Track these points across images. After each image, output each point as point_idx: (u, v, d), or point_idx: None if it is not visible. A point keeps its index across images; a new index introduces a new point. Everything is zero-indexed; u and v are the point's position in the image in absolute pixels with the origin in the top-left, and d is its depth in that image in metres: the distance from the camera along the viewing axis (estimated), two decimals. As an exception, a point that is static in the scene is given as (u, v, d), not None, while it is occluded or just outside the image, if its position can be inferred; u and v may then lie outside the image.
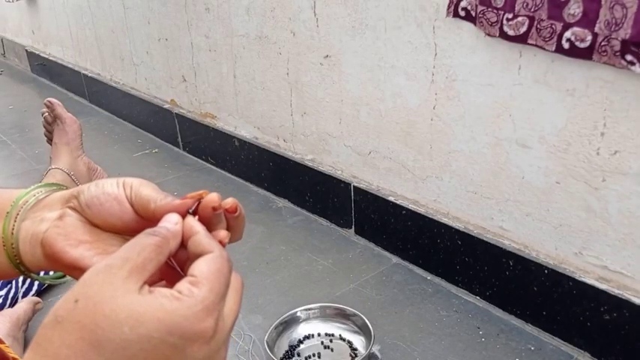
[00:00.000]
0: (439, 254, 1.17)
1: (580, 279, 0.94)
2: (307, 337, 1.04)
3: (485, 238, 1.07)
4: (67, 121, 1.38)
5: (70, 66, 2.60)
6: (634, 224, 0.86)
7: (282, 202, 1.55)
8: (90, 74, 2.43)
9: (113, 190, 0.38)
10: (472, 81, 1.00)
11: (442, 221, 1.14)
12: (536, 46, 0.88)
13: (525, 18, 0.87)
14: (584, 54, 0.82)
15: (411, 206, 1.20)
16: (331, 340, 1.03)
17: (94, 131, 2.16)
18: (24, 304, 1.08)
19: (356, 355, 0.99)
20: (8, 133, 2.20)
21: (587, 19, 0.80)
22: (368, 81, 1.20)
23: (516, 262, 1.03)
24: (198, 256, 0.33)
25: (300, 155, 1.48)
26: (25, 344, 1.02)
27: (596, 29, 0.79)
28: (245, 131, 1.65)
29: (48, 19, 2.69)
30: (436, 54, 1.05)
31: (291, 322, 1.05)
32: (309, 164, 1.43)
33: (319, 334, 1.04)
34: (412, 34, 1.07)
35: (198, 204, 0.37)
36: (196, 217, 0.36)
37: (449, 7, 0.99)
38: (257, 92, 1.54)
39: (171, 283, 0.32)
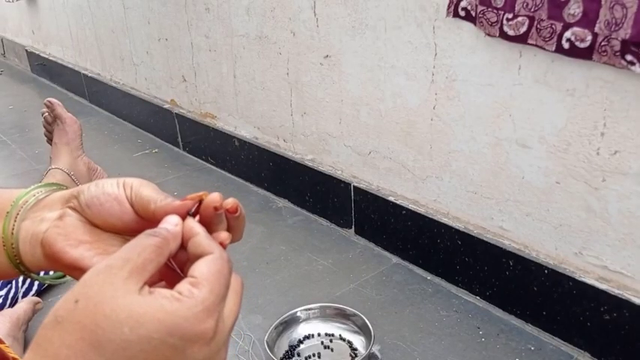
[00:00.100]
0: (439, 254, 1.17)
1: (580, 279, 0.94)
2: (307, 337, 1.04)
3: (485, 238, 1.07)
4: (67, 121, 1.38)
5: (70, 66, 2.60)
6: (634, 224, 0.86)
7: (282, 202, 1.55)
8: (90, 74, 2.43)
9: (113, 191, 0.38)
10: (472, 81, 1.00)
11: (442, 221, 1.14)
12: (536, 46, 0.88)
13: (525, 18, 0.87)
14: (584, 54, 0.82)
15: (411, 206, 1.20)
16: (331, 340, 1.03)
17: (94, 131, 2.16)
18: (24, 304, 1.08)
19: (356, 355, 0.99)
20: (8, 133, 2.20)
21: (587, 19, 0.80)
22: (368, 81, 1.20)
23: (516, 262, 1.03)
24: (198, 257, 0.33)
25: (300, 155, 1.47)
26: (25, 344, 1.02)
27: (596, 29, 0.79)
28: (245, 131, 1.65)
29: (48, 19, 2.69)
30: (436, 54, 1.05)
31: (291, 322, 1.05)
32: (309, 164, 1.43)
33: (319, 334, 1.04)
34: (412, 34, 1.07)
35: (198, 205, 0.37)
36: (196, 218, 0.36)
37: (449, 7, 0.99)
38: (257, 92, 1.54)
39: (171, 284, 0.32)
